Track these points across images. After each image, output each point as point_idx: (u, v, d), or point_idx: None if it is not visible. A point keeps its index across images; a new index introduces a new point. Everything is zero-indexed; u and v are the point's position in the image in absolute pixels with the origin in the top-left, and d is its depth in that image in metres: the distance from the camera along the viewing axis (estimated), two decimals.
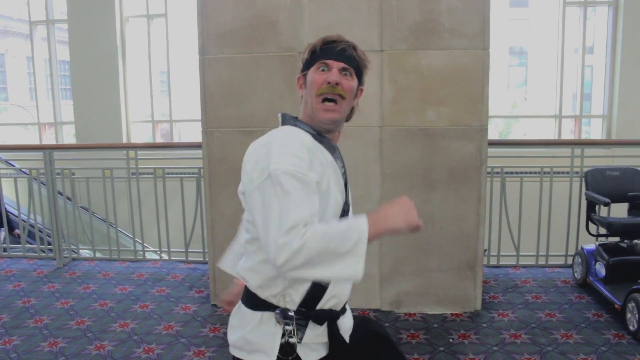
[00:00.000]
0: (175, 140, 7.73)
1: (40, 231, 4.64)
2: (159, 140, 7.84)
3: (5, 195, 4.79)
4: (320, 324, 1.42)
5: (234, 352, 1.46)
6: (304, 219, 1.20)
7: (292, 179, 1.24)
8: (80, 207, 4.61)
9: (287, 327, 1.37)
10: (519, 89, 16.70)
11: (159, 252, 4.54)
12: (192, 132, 7.77)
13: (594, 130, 7.42)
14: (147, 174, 4.53)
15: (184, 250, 4.41)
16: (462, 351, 2.89)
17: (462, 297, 3.37)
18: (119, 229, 4.75)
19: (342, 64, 1.41)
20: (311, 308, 1.40)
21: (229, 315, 1.52)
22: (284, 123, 1.46)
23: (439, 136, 3.24)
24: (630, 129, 6.71)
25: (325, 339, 1.43)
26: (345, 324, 1.51)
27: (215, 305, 3.50)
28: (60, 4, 8.00)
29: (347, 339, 1.49)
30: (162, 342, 3.05)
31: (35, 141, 8.55)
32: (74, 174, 4.53)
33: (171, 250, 4.50)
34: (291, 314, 1.38)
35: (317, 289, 1.40)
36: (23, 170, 4.99)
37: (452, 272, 3.36)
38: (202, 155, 3.47)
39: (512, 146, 4.59)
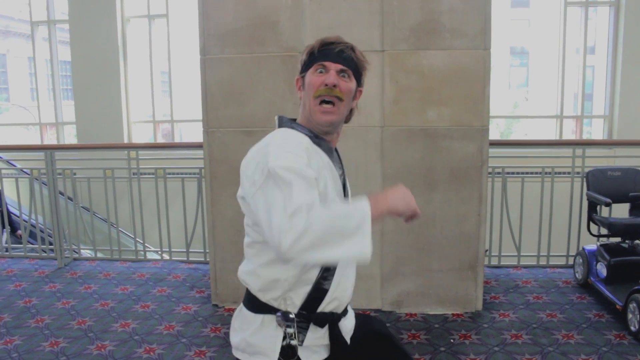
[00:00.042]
0: (177, 140, 7.73)
1: (42, 231, 4.65)
2: (160, 140, 7.85)
3: (7, 195, 4.79)
4: (322, 326, 1.42)
5: (236, 354, 1.47)
6: (307, 203, 1.18)
7: (291, 173, 1.24)
8: (82, 207, 4.62)
9: (288, 330, 1.38)
10: (520, 89, 16.71)
11: (160, 252, 4.54)
12: (193, 132, 7.78)
13: (595, 131, 7.41)
14: (148, 174, 4.54)
15: (185, 250, 4.41)
16: (463, 351, 2.89)
17: (463, 297, 3.36)
18: (120, 229, 4.75)
19: (340, 66, 1.40)
20: (312, 311, 1.40)
21: (230, 315, 1.52)
22: (280, 126, 1.46)
23: (440, 136, 3.24)
24: (631, 129, 6.70)
25: (326, 341, 1.43)
26: (347, 326, 1.51)
27: (216, 305, 3.50)
28: (61, 5, 8.01)
29: (348, 341, 1.49)
30: (163, 342, 3.05)
31: (36, 141, 8.57)
32: (75, 174, 4.54)
33: (172, 250, 4.50)
34: (292, 316, 1.38)
35: (318, 292, 1.40)
36: (24, 170, 5.01)
37: (453, 273, 3.35)
38: (203, 155, 3.47)
39: (513, 146, 4.59)
